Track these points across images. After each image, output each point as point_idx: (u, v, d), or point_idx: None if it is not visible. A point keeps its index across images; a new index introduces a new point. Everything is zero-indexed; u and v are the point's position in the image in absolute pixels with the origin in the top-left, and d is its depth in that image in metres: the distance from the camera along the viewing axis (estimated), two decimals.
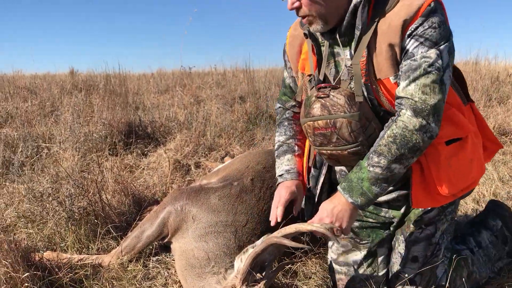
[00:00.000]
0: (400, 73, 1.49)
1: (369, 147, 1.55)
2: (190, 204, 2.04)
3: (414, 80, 1.44)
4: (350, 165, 1.66)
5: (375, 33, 1.52)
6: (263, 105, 4.94)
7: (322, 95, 1.59)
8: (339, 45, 1.62)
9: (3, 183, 3.08)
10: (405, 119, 1.46)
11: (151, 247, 2.14)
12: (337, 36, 1.59)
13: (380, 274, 1.89)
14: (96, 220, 2.27)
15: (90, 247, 2.19)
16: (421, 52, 1.45)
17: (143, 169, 3.51)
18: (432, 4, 1.46)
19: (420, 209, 1.76)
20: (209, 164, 3.55)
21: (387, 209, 1.87)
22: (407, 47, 1.48)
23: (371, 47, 1.53)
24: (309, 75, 1.71)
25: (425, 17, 1.45)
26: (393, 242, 1.89)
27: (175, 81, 8.50)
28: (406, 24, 1.46)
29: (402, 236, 1.83)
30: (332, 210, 1.52)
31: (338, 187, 1.55)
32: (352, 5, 1.52)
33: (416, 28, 1.45)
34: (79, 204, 2.28)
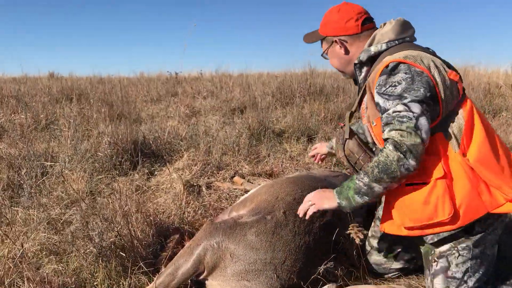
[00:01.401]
0: (382, 123, 1.81)
1: (355, 170, 2.10)
2: (227, 241, 2.03)
3: (392, 129, 1.74)
4: None
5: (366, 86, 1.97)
6: (266, 120, 4.94)
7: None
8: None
9: (14, 208, 3.00)
10: (388, 152, 1.72)
11: (185, 284, 2.11)
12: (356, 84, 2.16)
13: (393, 267, 2.29)
14: (124, 254, 2.23)
15: (121, 283, 2.15)
16: (390, 106, 1.77)
17: (154, 190, 3.47)
18: (391, 65, 1.82)
19: (430, 242, 1.92)
20: (220, 185, 3.53)
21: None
22: (378, 102, 1.84)
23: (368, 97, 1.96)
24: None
25: (386, 75, 1.82)
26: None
27: (165, 89, 8.42)
28: (373, 84, 1.88)
29: (427, 270, 2.00)
30: (318, 194, 2.00)
31: (334, 190, 1.93)
32: (354, 65, 2.08)
33: (379, 86, 1.83)
34: (109, 239, 2.23)
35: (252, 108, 5.70)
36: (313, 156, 2.86)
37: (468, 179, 1.77)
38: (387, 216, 1.93)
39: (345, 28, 2.03)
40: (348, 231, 2.07)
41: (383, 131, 1.79)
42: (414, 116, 1.70)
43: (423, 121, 1.71)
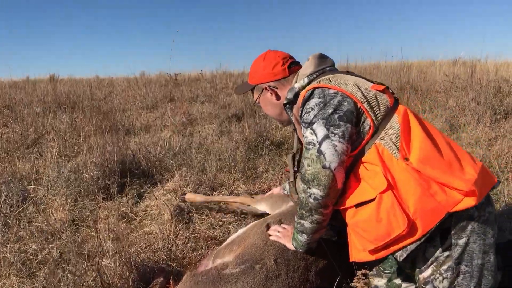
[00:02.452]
0: None
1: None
2: None
3: (304, 158, 1.72)
4: None
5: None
6: (262, 130, 4.67)
7: None
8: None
9: None
10: (299, 186, 1.77)
11: None
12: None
13: None
14: None
15: None
16: (304, 134, 1.76)
17: (142, 217, 3.22)
18: (307, 94, 1.84)
19: (417, 269, 1.76)
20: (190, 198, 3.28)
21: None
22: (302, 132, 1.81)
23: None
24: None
25: (303, 106, 1.83)
26: None
27: (163, 93, 8.17)
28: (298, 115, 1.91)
29: None
30: (287, 231, 2.04)
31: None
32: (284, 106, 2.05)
33: (300, 116, 1.86)
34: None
35: (250, 115, 5.43)
36: None
37: (417, 183, 1.64)
38: (351, 244, 1.84)
39: (272, 73, 2.07)
40: (353, 284, 1.81)
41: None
42: (317, 141, 1.68)
43: (326, 145, 1.67)
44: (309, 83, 1.93)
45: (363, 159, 1.74)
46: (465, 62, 9.79)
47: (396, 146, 1.72)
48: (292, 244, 1.92)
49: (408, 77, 7.72)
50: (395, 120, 1.77)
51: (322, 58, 2.03)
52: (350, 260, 1.84)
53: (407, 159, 1.69)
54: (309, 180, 1.68)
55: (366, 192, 1.70)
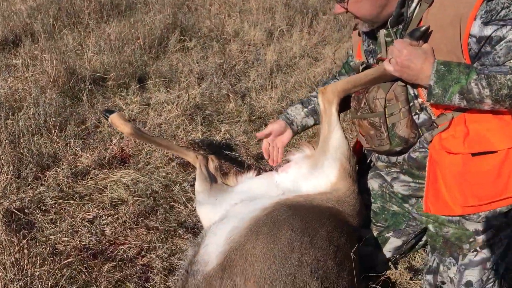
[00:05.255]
0: (497, 58, 1.43)
1: (386, 126, 1.65)
2: None
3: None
4: (373, 145, 1.75)
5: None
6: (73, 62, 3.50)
7: (374, 66, 1.74)
8: (390, 36, 1.67)
9: None
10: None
11: None
12: (390, 28, 1.65)
13: (380, 258, 1.94)
14: None
15: None
16: (509, 33, 1.41)
17: None
18: None
19: (472, 230, 1.65)
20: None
21: (413, 205, 1.87)
22: (485, 34, 1.43)
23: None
24: (363, 63, 1.83)
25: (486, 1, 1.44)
26: (435, 264, 1.80)
27: None
28: (467, 15, 1.45)
29: (451, 258, 1.74)
30: (412, 52, 1.49)
31: (436, 61, 1.47)
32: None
33: (486, 14, 1.43)
34: None
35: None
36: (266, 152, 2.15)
37: None
38: (436, 194, 1.62)
39: None
40: None
41: (503, 63, 1.42)
42: None
43: None
44: None
45: None
46: None
47: None
48: (432, 86, 1.46)
49: None
50: None
51: None
52: (425, 212, 1.69)
53: None
54: None
55: (494, 141, 1.52)
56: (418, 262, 2.15)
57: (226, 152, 2.95)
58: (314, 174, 1.83)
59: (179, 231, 2.23)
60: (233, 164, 2.76)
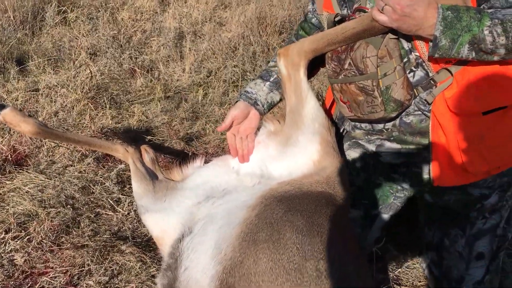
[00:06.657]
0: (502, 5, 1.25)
1: (380, 89, 1.36)
2: None
3: None
4: (360, 113, 1.46)
5: None
6: None
7: (352, 17, 1.45)
8: None
9: None
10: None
11: None
12: None
13: (368, 239, 1.74)
14: None
15: None
16: None
17: None
18: None
19: (477, 194, 1.48)
20: None
21: (404, 174, 1.61)
22: None
23: None
24: (336, 15, 1.53)
25: None
26: (436, 238, 1.64)
27: None
28: None
29: (457, 229, 1.57)
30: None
31: (441, 6, 1.22)
32: None
33: None
34: None
35: None
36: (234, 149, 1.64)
37: None
38: (447, 164, 1.40)
39: None
40: None
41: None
42: None
43: None
44: None
45: None
46: None
47: None
48: (438, 37, 1.21)
49: None
50: None
51: None
52: (435, 185, 1.43)
53: None
54: None
55: (507, 96, 1.34)
56: (404, 238, 1.98)
57: (149, 137, 2.49)
58: (287, 153, 1.51)
59: (116, 244, 1.78)
60: (163, 152, 2.32)
